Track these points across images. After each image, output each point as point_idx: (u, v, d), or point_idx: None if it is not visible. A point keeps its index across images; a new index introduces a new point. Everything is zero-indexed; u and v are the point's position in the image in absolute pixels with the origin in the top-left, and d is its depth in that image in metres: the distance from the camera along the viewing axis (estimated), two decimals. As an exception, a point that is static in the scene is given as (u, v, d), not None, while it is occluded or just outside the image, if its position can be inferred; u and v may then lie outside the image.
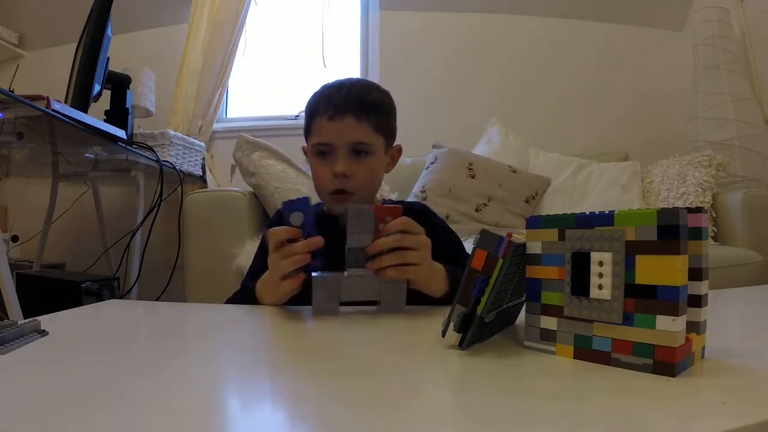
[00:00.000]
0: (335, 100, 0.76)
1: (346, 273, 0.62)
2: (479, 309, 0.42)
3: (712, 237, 1.68)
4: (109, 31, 1.52)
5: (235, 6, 2.33)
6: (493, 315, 0.44)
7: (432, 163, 1.93)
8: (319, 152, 0.78)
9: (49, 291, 1.52)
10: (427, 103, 2.39)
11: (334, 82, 0.81)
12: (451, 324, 0.44)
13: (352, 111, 0.75)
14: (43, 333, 0.48)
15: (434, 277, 0.66)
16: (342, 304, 0.62)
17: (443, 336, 0.45)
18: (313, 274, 0.62)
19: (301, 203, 0.62)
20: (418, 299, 0.66)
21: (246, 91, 2.67)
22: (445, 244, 0.88)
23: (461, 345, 0.44)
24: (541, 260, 0.43)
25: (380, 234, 0.62)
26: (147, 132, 1.86)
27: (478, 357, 0.42)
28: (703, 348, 0.40)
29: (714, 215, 1.71)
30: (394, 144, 0.86)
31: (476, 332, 0.44)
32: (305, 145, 0.86)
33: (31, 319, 0.49)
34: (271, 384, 0.38)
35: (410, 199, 1.86)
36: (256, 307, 0.66)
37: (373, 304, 0.63)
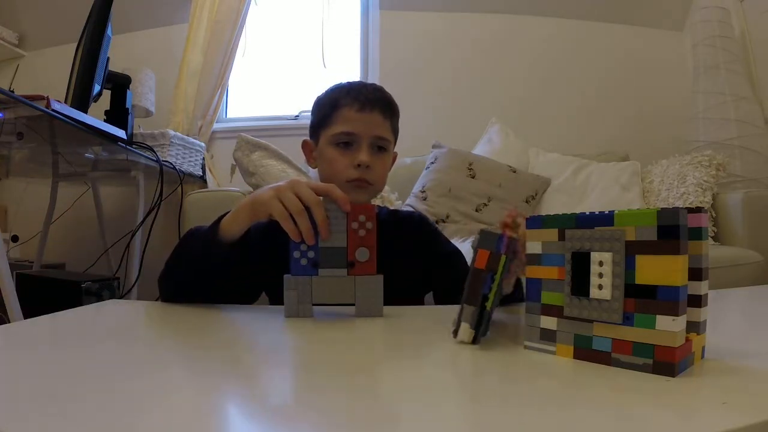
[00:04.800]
0: (365, 93, 0.80)
1: (319, 273, 0.58)
2: (488, 304, 0.44)
3: (712, 237, 1.68)
4: (109, 31, 1.52)
5: (235, 6, 2.33)
6: (496, 305, 0.46)
7: (432, 163, 1.93)
8: (341, 142, 0.79)
9: (49, 291, 1.52)
10: (427, 103, 2.39)
11: (355, 81, 0.84)
12: (464, 324, 0.45)
13: (380, 107, 0.79)
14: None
15: None
16: (315, 305, 0.59)
17: (454, 336, 0.46)
18: (285, 275, 0.59)
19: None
20: (394, 301, 0.65)
21: (246, 91, 2.67)
22: (443, 245, 0.89)
23: (475, 341, 0.45)
24: (541, 260, 0.43)
25: (353, 233, 0.59)
26: (147, 132, 1.86)
27: (477, 357, 0.42)
28: (703, 348, 0.40)
29: (714, 215, 1.71)
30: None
31: (485, 326, 0.46)
32: (307, 138, 0.86)
33: None
34: (271, 384, 0.38)
35: (410, 199, 1.86)
36: (256, 308, 0.66)
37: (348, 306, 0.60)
